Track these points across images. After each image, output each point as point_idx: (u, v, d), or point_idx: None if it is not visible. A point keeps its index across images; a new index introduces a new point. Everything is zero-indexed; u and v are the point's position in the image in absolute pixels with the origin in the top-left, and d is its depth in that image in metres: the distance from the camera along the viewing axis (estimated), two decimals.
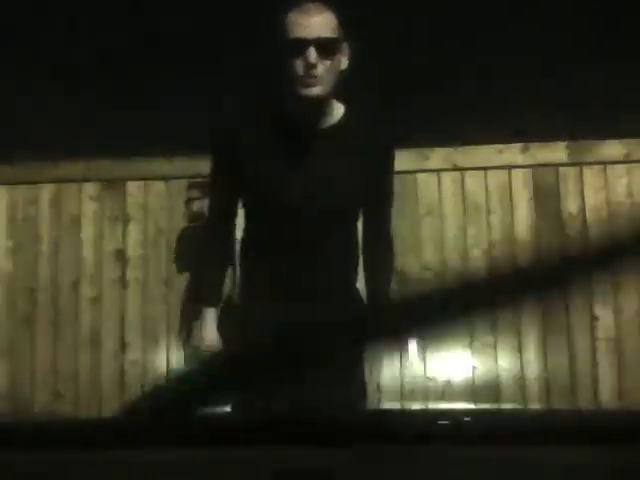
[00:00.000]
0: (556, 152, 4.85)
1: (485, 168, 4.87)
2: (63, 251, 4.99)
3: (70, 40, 3.79)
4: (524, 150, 4.85)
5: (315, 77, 1.79)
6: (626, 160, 4.81)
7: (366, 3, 3.01)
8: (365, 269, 2.05)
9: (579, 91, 4.01)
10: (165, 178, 4.95)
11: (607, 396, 4.59)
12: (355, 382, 1.97)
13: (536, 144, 4.80)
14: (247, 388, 1.71)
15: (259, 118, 1.95)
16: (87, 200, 4.96)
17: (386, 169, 1.99)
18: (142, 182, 4.99)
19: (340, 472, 0.77)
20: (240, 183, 1.98)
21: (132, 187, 4.95)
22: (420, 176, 4.88)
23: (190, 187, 4.61)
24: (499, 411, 1.26)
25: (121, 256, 4.94)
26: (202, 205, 4.38)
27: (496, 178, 4.87)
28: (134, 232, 4.88)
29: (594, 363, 4.66)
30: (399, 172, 4.64)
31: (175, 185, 4.91)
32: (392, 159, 2.01)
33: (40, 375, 4.90)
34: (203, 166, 5.03)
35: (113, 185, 4.95)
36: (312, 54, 1.77)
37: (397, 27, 3.59)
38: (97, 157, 4.84)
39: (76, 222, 5.01)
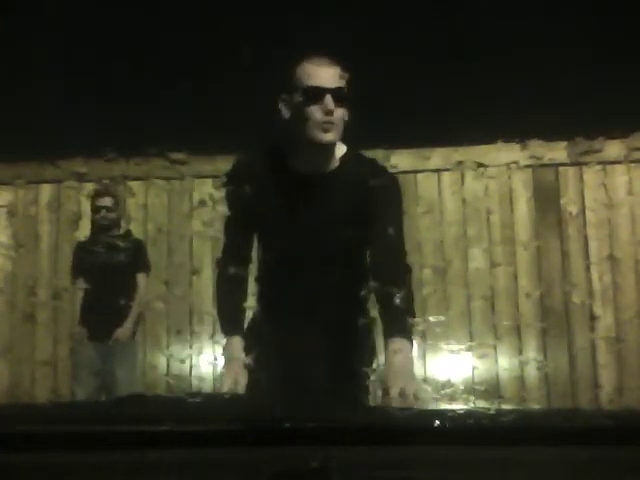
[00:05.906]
0: (556, 152, 4.85)
1: (485, 167, 4.87)
2: (63, 250, 4.98)
3: (70, 40, 3.79)
4: (524, 149, 4.84)
5: (332, 123, 1.92)
6: (626, 160, 4.81)
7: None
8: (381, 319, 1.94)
9: (580, 91, 4.01)
10: (165, 178, 4.95)
11: (607, 396, 4.59)
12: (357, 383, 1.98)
13: (536, 143, 4.79)
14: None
15: (260, 164, 2.03)
16: (87, 200, 4.95)
17: (388, 209, 1.98)
18: (142, 182, 4.99)
19: (340, 472, 0.77)
20: (253, 228, 2.07)
21: (132, 187, 4.95)
22: (420, 176, 4.87)
23: (98, 195, 4.27)
24: (500, 411, 1.26)
25: None
26: (113, 215, 4.18)
27: (496, 177, 4.87)
28: (134, 232, 4.87)
29: (594, 363, 4.66)
30: (399, 172, 4.70)
31: (175, 185, 4.91)
32: (394, 199, 2.02)
33: (40, 373, 4.90)
34: (204, 166, 5.11)
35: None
36: (330, 101, 1.90)
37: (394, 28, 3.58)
38: (97, 157, 4.84)
39: (76, 222, 5.01)
